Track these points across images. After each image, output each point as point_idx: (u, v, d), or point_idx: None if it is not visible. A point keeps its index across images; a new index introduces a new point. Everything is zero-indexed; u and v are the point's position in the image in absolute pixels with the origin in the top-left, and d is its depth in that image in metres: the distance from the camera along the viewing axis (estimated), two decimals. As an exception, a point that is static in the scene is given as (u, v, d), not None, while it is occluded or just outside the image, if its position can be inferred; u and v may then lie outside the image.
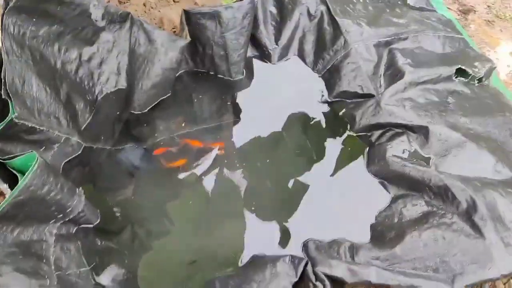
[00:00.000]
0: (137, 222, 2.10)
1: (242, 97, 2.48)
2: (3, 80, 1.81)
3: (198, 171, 2.23)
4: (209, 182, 2.21)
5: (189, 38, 2.25)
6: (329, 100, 2.43)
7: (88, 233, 1.97)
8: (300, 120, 2.39)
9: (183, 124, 2.37)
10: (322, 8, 2.47)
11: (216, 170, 2.24)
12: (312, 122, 2.38)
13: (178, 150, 2.30)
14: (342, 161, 2.23)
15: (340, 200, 2.11)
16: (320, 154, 2.27)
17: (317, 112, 2.41)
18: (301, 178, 2.20)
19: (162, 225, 2.08)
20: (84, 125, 2.20)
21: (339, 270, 1.65)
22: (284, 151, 2.31)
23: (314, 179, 2.19)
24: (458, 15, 2.80)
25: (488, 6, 2.89)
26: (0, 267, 1.57)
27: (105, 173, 2.21)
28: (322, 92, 2.46)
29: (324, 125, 2.37)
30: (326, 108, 2.42)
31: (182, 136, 2.35)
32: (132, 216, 2.11)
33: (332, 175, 2.20)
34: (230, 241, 2.04)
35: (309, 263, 1.69)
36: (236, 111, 2.44)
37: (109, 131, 2.29)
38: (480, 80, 2.37)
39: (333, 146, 2.29)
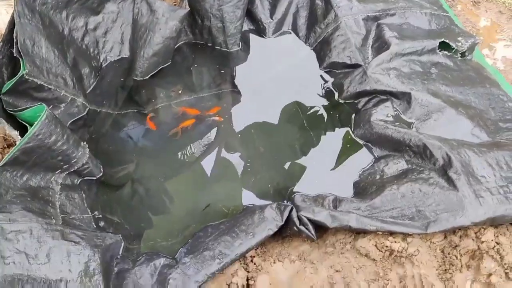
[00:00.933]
0: (137, 181, 2.24)
1: (238, 68, 2.62)
2: (15, 40, 1.95)
3: (196, 135, 2.36)
4: (206, 146, 2.34)
5: (188, 8, 2.40)
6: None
7: (91, 185, 2.12)
8: (293, 90, 2.53)
9: (180, 92, 2.50)
10: (315, -16, 2.61)
11: (214, 135, 2.37)
12: (304, 92, 2.52)
13: (177, 118, 2.43)
14: (330, 126, 2.36)
15: (327, 162, 2.24)
16: (310, 121, 2.41)
17: (309, 82, 2.54)
18: (291, 144, 2.34)
19: (160, 184, 2.22)
20: (89, 89, 2.35)
21: (321, 215, 1.78)
22: (276, 119, 2.44)
23: (304, 144, 2.33)
24: (446, -5, 2.94)
25: (476, -12, 3.03)
26: (10, 206, 1.71)
27: (108, 136, 2.35)
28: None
29: (314, 94, 2.49)
30: (317, 78, 2.54)
31: (179, 104, 2.48)
32: (133, 174, 2.24)
33: (320, 140, 2.33)
34: (224, 198, 2.17)
35: (294, 209, 1.82)
36: (233, 81, 2.58)
37: (113, 96, 2.44)
38: (463, 54, 2.50)
39: (323, 113, 2.42)
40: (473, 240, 1.81)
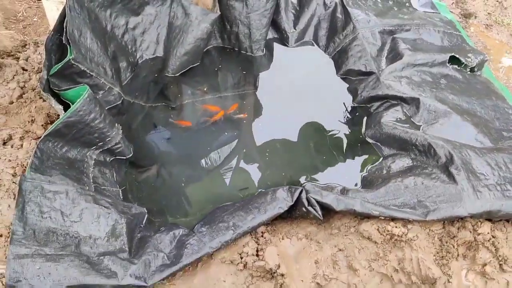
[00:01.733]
0: (162, 165, 2.44)
1: (261, 72, 2.84)
2: (64, 30, 2.21)
3: (219, 131, 2.56)
4: (229, 139, 2.53)
5: (219, 12, 2.64)
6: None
7: (121, 164, 2.32)
8: (311, 94, 2.73)
9: (205, 89, 2.72)
10: (337, 0, 2.84)
11: (235, 131, 2.57)
12: (321, 96, 2.71)
13: (200, 114, 2.65)
14: (343, 127, 2.54)
15: (338, 160, 2.41)
16: (325, 122, 2.58)
17: (326, 88, 2.74)
18: (306, 142, 2.52)
19: (183, 170, 2.41)
20: (125, 82, 2.59)
21: (329, 198, 1.94)
22: (294, 119, 2.62)
23: (318, 141, 2.50)
24: (460, 18, 3.12)
25: (489, 13, 3.21)
26: (50, 170, 1.92)
27: (139, 125, 2.56)
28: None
29: (331, 99, 2.69)
30: (333, 84, 2.74)
31: (204, 102, 2.70)
32: (159, 159, 2.44)
33: (333, 138, 2.51)
34: (242, 185, 2.35)
35: (304, 191, 1.98)
36: (255, 83, 2.80)
37: (145, 89, 2.67)
38: (472, 70, 2.67)
39: (337, 116, 2.60)
40: (470, 232, 1.94)
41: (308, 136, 2.55)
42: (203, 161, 2.47)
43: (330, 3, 2.87)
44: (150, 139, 2.51)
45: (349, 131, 2.54)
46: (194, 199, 2.30)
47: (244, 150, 2.50)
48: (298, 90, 2.75)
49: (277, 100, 2.72)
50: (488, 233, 1.92)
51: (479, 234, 1.92)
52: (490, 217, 1.95)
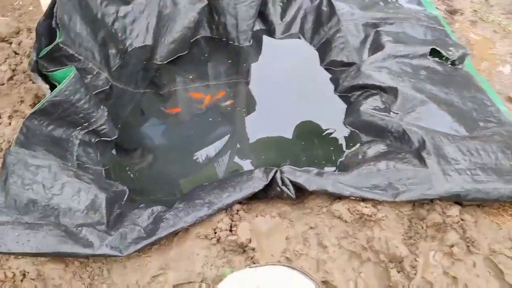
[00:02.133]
0: (147, 149, 2.51)
1: (248, 62, 2.92)
2: (54, 14, 2.30)
3: (205, 115, 2.64)
4: (214, 126, 2.61)
5: (206, 1, 2.73)
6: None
7: (106, 145, 2.40)
8: (296, 83, 2.80)
9: (193, 77, 2.80)
10: (323, -7, 2.93)
11: (222, 117, 2.64)
12: (305, 85, 2.78)
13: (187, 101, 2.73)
14: (325, 116, 2.61)
15: (320, 147, 2.47)
16: (308, 111, 2.65)
17: (310, 77, 2.82)
18: (289, 130, 2.58)
19: (167, 154, 2.49)
20: (114, 68, 2.67)
21: (302, 178, 2.00)
22: (279, 108, 2.70)
23: (300, 130, 2.57)
24: (445, 14, 3.18)
25: (475, 10, 3.26)
26: (35, 146, 2.01)
27: (126, 110, 2.64)
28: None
29: (315, 88, 2.76)
30: (317, 74, 2.82)
31: (190, 90, 2.78)
32: (144, 143, 2.52)
33: (314, 127, 2.57)
34: (223, 172, 2.42)
35: (279, 171, 2.05)
36: (242, 72, 2.88)
37: (134, 76, 2.76)
38: (453, 63, 2.73)
39: (320, 104, 2.68)
40: (439, 214, 1.99)
41: (291, 124, 2.61)
42: (188, 146, 2.54)
43: (316, -4, 2.95)
44: (136, 124, 2.59)
45: (330, 119, 2.60)
46: (177, 182, 2.37)
47: (229, 136, 2.57)
48: (284, 79, 2.82)
49: (264, 88, 2.79)
50: (456, 215, 1.98)
51: (448, 216, 1.98)
52: (459, 200, 2.00)
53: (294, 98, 2.73)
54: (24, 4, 2.99)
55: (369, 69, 2.56)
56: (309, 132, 2.55)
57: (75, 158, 2.15)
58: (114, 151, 2.42)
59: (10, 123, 2.18)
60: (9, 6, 2.92)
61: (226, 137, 2.56)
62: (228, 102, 2.68)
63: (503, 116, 2.51)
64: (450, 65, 2.72)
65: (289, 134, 2.54)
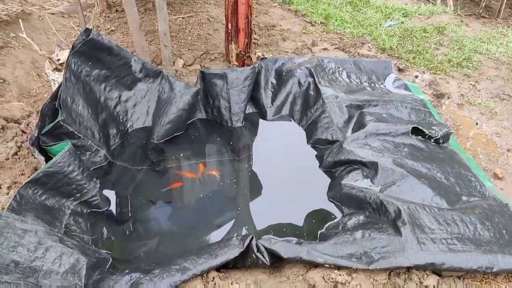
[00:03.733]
0: (138, 220, 2.60)
1: (240, 142, 3.09)
2: (58, 96, 2.55)
3: (194, 189, 2.76)
4: (206, 199, 2.71)
5: (199, 86, 2.98)
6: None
7: (97, 216, 2.51)
8: (285, 159, 2.93)
9: (187, 155, 2.96)
10: (310, 79, 3.16)
11: (213, 191, 2.75)
12: (293, 162, 2.90)
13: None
14: (310, 190, 2.69)
15: (302, 219, 2.53)
16: (294, 185, 2.75)
17: (298, 155, 2.94)
18: (276, 204, 2.66)
19: (159, 226, 2.56)
20: (114, 146, 2.86)
21: (277, 245, 2.04)
22: (268, 184, 2.79)
23: (286, 203, 2.65)
24: (432, 98, 3.34)
25: (462, 95, 3.42)
26: (26, 213, 2.13)
27: (122, 184, 2.78)
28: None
29: (302, 164, 2.87)
30: (304, 152, 2.95)
31: (184, 168, 2.93)
32: (136, 214, 2.61)
33: (299, 200, 2.65)
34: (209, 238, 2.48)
35: (254, 238, 2.10)
36: (235, 151, 3.03)
37: (132, 154, 2.93)
38: (437, 141, 2.83)
39: (306, 180, 2.77)
40: (416, 284, 1.98)
41: (278, 199, 2.69)
42: (176, 219, 2.62)
43: (304, 82, 3.18)
44: (131, 198, 2.70)
45: (314, 193, 2.67)
46: (163, 253, 2.42)
47: (218, 209, 2.65)
48: (273, 158, 2.95)
49: (254, 167, 2.92)
50: (434, 286, 1.96)
51: (425, 287, 1.96)
52: (436, 269, 1.99)
53: (283, 174, 2.84)
54: (40, 92, 3.30)
55: (351, 145, 2.68)
56: (294, 206, 2.61)
57: (63, 225, 2.25)
58: (105, 222, 2.51)
59: (8, 193, 2.33)
60: (26, 93, 3.23)
61: (216, 210, 2.64)
62: (214, 172, 2.80)
63: (487, 191, 2.55)
64: (433, 143, 2.82)
65: (275, 208, 2.61)
